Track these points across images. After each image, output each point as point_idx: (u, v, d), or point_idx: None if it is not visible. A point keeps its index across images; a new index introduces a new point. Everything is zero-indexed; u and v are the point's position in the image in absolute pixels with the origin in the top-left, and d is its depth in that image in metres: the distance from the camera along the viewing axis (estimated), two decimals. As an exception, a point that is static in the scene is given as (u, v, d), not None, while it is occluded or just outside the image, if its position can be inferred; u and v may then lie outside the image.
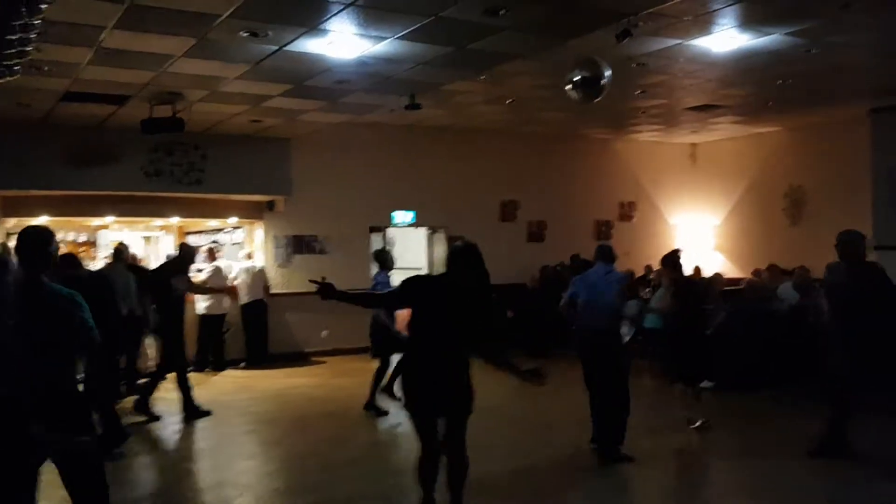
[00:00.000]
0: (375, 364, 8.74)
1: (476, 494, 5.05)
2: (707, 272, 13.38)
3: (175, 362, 8.53)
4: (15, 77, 6.93)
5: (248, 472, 6.76)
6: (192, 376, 9.24)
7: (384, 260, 8.87)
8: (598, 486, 6.15)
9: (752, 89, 11.01)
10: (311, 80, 8.71)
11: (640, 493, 6.20)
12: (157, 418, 8.42)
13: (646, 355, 10.38)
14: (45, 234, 4.18)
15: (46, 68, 7.84)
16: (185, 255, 9.13)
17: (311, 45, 7.41)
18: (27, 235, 4.17)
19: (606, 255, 6.92)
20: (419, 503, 4.84)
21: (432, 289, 4.75)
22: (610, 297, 6.73)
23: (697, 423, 7.80)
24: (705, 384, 9.68)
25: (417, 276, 4.94)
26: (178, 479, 6.54)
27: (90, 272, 8.62)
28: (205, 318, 11.62)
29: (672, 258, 8.18)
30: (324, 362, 12.53)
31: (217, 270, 11.80)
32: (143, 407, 8.48)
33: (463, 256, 4.72)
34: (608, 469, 6.47)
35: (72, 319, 4.00)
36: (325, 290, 4.71)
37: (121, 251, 9.89)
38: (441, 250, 14.09)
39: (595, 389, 6.78)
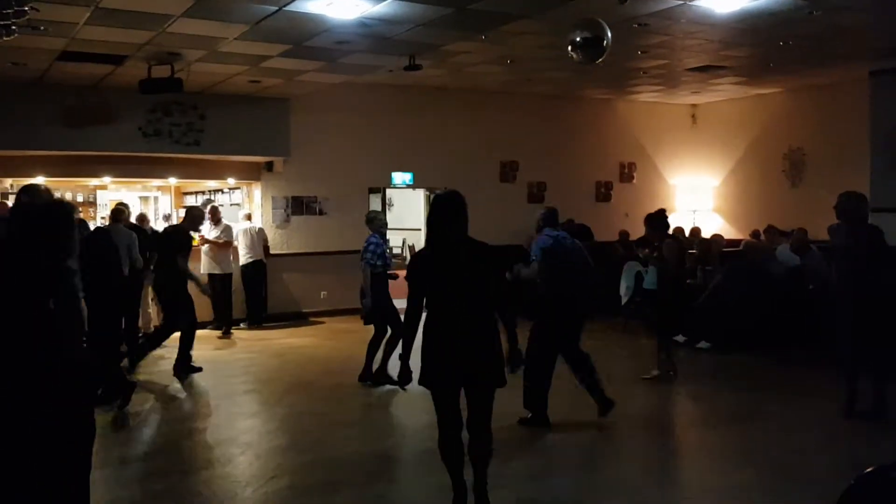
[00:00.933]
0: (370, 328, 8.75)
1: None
2: (706, 233, 13.43)
3: (184, 319, 8.71)
4: (12, 37, 6.88)
5: (250, 430, 6.84)
6: (205, 334, 9.41)
7: (373, 222, 8.94)
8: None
9: (753, 50, 10.94)
10: (311, 40, 8.64)
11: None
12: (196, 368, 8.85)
13: (642, 316, 10.46)
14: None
15: (43, 28, 7.76)
16: (196, 216, 9.24)
17: (311, 6, 7.34)
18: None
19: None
20: (452, 490, 4.46)
21: (440, 264, 4.35)
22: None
23: (650, 375, 8.13)
24: (702, 345, 9.84)
25: (419, 258, 4.59)
26: (181, 438, 6.62)
27: (93, 231, 8.63)
28: (213, 277, 11.59)
29: (653, 218, 8.31)
30: (322, 322, 12.62)
31: (228, 229, 11.82)
32: (133, 367, 8.72)
33: (448, 206, 4.36)
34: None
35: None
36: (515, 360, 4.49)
37: (121, 211, 9.90)
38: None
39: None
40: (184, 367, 8.83)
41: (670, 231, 8.64)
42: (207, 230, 11.51)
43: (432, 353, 4.30)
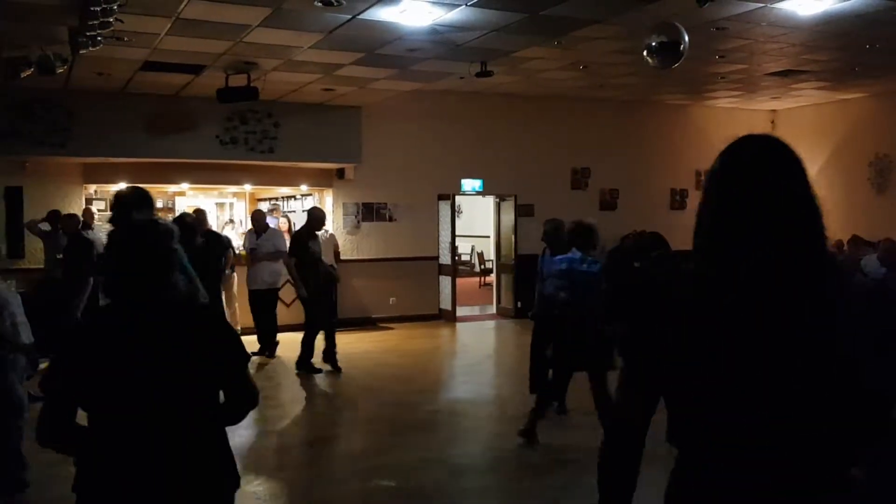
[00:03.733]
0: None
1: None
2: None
3: (321, 320, 9.20)
4: (97, 47, 7.12)
5: (324, 430, 6.88)
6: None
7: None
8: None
9: (837, 54, 10.56)
10: (383, 48, 8.69)
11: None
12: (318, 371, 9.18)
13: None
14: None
15: (126, 38, 8.00)
16: (318, 218, 9.50)
17: (383, 14, 7.38)
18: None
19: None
20: None
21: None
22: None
23: None
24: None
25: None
26: (263, 436, 6.71)
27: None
28: (255, 294, 11.32)
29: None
30: (391, 328, 12.66)
31: (276, 235, 11.83)
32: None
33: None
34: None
35: None
36: None
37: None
38: (509, 218, 14.03)
39: None
40: (306, 364, 9.14)
41: None
42: (247, 240, 10.81)
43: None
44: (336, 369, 9.25)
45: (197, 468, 2.40)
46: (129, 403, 2.34)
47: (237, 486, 2.53)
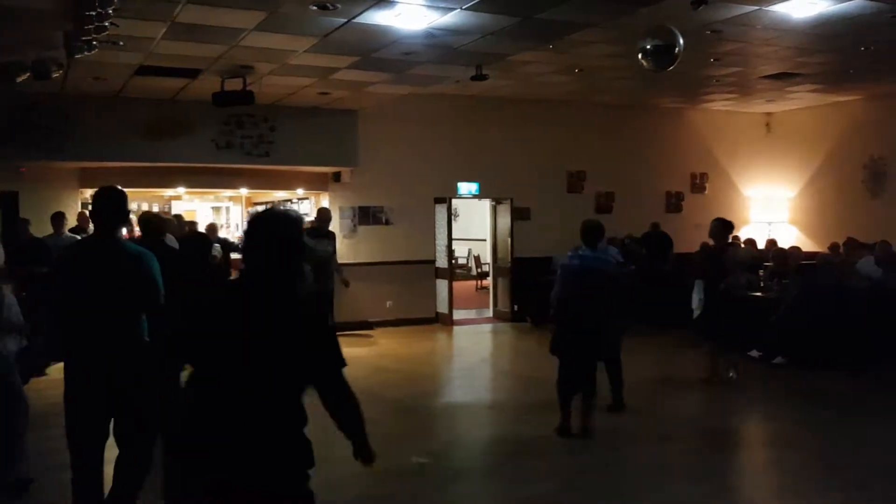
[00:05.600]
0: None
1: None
2: (783, 246, 13.03)
3: None
4: (93, 52, 7.11)
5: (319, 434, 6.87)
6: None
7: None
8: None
9: (831, 56, 10.59)
10: (379, 52, 8.70)
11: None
12: None
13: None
14: (121, 194, 4.37)
15: (122, 43, 8.00)
16: (327, 218, 9.65)
17: (378, 17, 7.39)
18: (105, 195, 4.34)
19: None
20: None
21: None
22: None
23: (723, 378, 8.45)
24: (778, 360, 9.52)
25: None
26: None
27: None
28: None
29: (713, 226, 8.45)
30: (387, 332, 12.65)
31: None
32: None
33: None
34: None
35: (138, 276, 4.16)
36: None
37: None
38: (505, 221, 14.04)
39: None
40: None
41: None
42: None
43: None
44: None
45: (280, 442, 2.61)
46: (233, 368, 2.56)
47: (312, 464, 2.72)
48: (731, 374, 8.64)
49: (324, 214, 9.79)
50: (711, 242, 8.78)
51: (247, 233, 2.82)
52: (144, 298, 4.23)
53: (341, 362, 2.73)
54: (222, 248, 10.61)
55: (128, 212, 4.50)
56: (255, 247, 2.72)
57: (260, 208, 14.08)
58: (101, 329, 4.13)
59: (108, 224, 4.27)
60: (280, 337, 2.58)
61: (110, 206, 4.28)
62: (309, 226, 10.18)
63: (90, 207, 4.49)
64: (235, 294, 2.71)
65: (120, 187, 4.52)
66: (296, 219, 2.82)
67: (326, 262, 9.50)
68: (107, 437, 4.31)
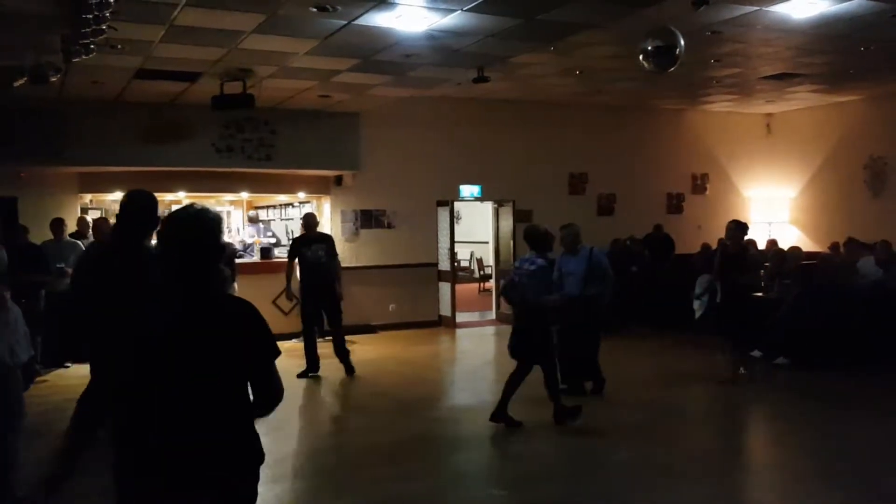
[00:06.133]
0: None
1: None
2: (783, 246, 12.99)
3: (304, 323, 9.45)
4: (91, 56, 7.08)
5: (324, 439, 6.85)
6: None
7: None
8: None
9: (832, 57, 10.57)
10: (380, 54, 8.68)
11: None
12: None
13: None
14: (152, 200, 4.25)
15: (120, 46, 7.98)
16: (312, 224, 9.69)
17: (379, 19, 7.37)
18: (137, 199, 4.22)
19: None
20: None
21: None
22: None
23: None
24: (780, 360, 9.48)
25: None
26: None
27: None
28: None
29: (729, 227, 8.64)
30: (390, 335, 12.61)
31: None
32: None
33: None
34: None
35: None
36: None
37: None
38: (507, 224, 14.02)
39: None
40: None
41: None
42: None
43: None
44: (348, 370, 9.56)
45: (225, 445, 2.54)
46: (164, 379, 2.49)
47: (262, 460, 2.65)
48: (742, 371, 8.80)
49: (308, 220, 9.65)
50: (715, 244, 8.84)
51: (159, 234, 2.71)
52: None
53: (272, 353, 2.63)
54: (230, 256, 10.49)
55: (158, 218, 4.22)
56: (166, 249, 2.65)
57: (175, 207, 14.08)
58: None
59: (138, 231, 4.15)
60: (202, 338, 2.51)
61: (141, 212, 4.16)
62: (299, 234, 10.10)
63: (118, 211, 4.30)
64: (154, 300, 2.64)
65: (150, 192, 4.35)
66: (207, 218, 2.64)
67: (319, 266, 9.29)
68: None
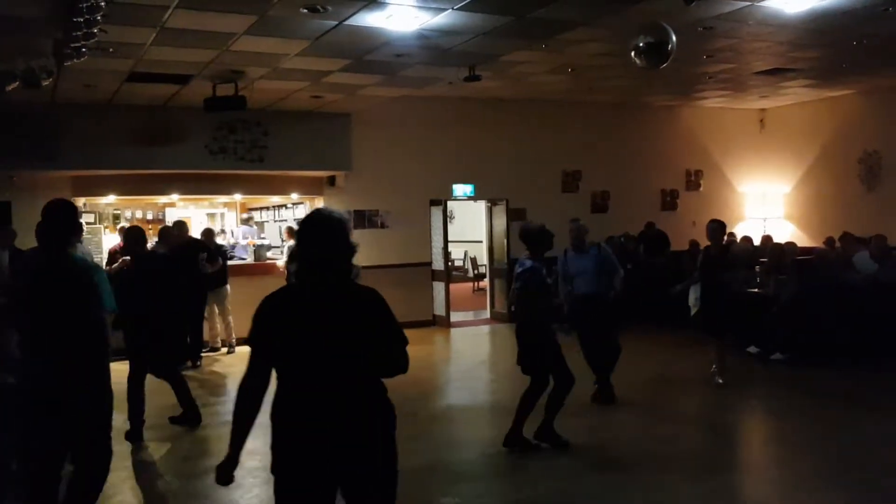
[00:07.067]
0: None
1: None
2: (778, 241, 13.00)
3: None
4: (82, 59, 7.06)
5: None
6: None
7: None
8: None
9: (825, 51, 10.58)
10: (371, 54, 8.67)
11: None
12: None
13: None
14: (71, 207, 4.45)
15: (111, 49, 7.96)
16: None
17: (370, 19, 7.35)
18: (55, 208, 4.34)
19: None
20: None
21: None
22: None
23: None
24: (776, 356, 9.49)
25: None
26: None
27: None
28: None
29: (711, 228, 8.49)
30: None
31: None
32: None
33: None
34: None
35: (87, 291, 4.22)
36: None
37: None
38: (501, 222, 14.01)
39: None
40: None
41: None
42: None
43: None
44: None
45: (365, 411, 3.02)
46: (311, 362, 2.94)
47: (394, 427, 3.77)
48: (717, 377, 8.41)
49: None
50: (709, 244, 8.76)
51: (298, 234, 3.14)
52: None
53: (401, 339, 3.13)
54: (216, 254, 10.48)
55: (79, 224, 4.59)
56: (307, 246, 3.06)
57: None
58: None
59: (61, 237, 4.28)
60: (344, 323, 2.97)
61: (60, 220, 4.31)
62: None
63: (41, 220, 4.39)
64: (298, 293, 3.05)
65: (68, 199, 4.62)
66: (335, 219, 3.13)
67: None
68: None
